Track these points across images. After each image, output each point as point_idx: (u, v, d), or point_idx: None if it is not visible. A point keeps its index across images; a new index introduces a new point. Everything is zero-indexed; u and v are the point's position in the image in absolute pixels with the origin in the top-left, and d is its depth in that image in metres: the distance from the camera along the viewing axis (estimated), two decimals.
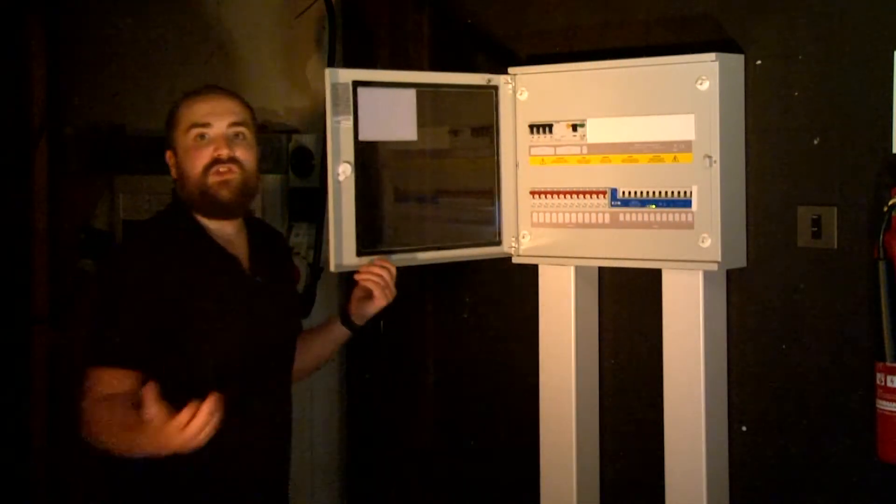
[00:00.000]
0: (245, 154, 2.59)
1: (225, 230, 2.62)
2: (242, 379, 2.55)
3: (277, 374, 2.68)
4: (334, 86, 2.69)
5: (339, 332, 2.79)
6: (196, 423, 2.19)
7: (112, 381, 2.44)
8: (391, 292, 2.70)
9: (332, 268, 2.72)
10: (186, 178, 2.57)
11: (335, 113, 2.70)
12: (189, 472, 2.44)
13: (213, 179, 2.55)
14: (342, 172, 2.71)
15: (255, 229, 2.73)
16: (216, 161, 2.55)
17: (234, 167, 2.56)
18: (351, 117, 2.72)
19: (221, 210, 2.59)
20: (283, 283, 2.78)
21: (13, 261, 4.47)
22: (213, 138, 2.56)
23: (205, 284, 2.55)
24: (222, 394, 2.27)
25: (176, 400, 2.31)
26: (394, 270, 2.71)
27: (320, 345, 2.82)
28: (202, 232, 2.60)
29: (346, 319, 2.77)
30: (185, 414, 2.19)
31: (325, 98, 3.54)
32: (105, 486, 2.59)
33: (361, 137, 2.74)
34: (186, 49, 4.05)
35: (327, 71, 2.71)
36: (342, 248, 2.72)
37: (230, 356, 2.55)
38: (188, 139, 2.56)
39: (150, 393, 2.22)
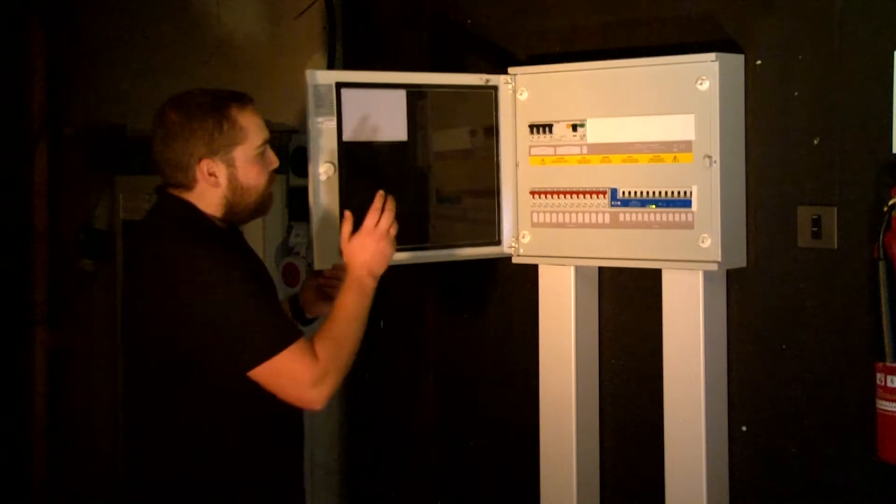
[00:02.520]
0: None
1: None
2: None
3: None
4: (315, 87, 2.74)
5: None
6: (384, 220, 2.60)
7: (302, 348, 2.46)
8: None
9: (315, 266, 2.77)
10: (249, 191, 2.58)
11: (317, 114, 2.74)
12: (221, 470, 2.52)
13: (269, 190, 2.63)
14: (324, 173, 2.75)
15: None
16: (272, 174, 2.64)
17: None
18: (334, 118, 2.76)
19: (262, 214, 2.67)
20: None
21: (13, 261, 4.47)
22: (269, 151, 2.63)
23: (262, 268, 2.67)
24: None
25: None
26: None
27: None
28: (235, 230, 2.66)
29: (298, 313, 2.84)
30: (370, 218, 2.60)
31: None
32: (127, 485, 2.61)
33: (346, 138, 2.78)
34: (186, 49, 4.05)
35: (307, 73, 2.75)
36: (326, 246, 2.75)
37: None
38: (255, 154, 2.58)
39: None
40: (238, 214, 2.61)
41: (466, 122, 2.98)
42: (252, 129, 2.57)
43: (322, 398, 2.48)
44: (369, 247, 2.60)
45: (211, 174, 2.54)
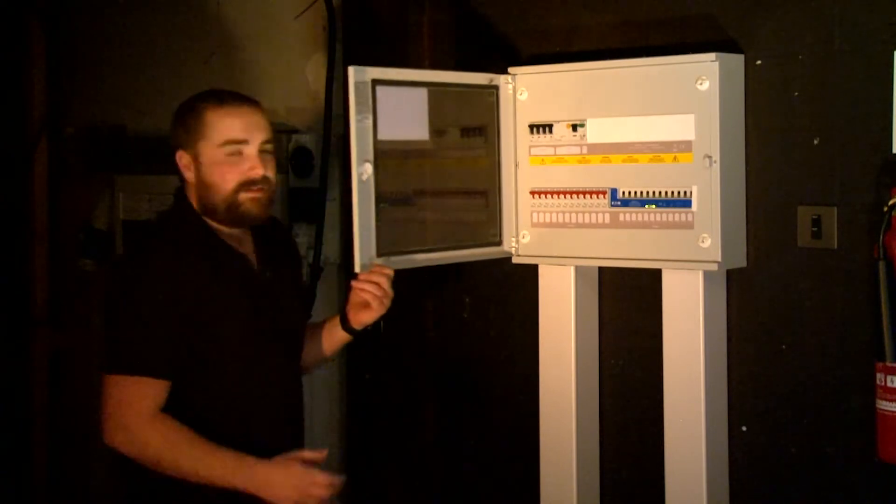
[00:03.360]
0: (272, 171, 2.60)
1: (233, 230, 2.62)
2: (257, 374, 2.60)
3: (289, 362, 2.71)
4: (357, 84, 2.66)
5: (341, 335, 2.79)
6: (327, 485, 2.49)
7: (149, 392, 2.45)
8: (389, 300, 2.68)
9: (356, 268, 2.68)
10: (212, 190, 2.56)
11: (358, 111, 2.67)
12: None
13: (244, 196, 2.55)
14: (364, 172, 2.68)
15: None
16: (250, 181, 2.55)
17: (265, 186, 2.57)
18: (370, 116, 2.69)
19: (246, 223, 2.61)
20: (289, 271, 2.79)
21: (13, 261, 4.47)
22: (247, 156, 2.55)
23: (219, 286, 2.55)
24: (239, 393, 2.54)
25: (193, 401, 2.49)
26: (392, 274, 2.68)
27: (323, 344, 2.81)
28: (213, 233, 2.60)
29: (345, 324, 2.75)
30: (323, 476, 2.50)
31: (324, 98, 3.57)
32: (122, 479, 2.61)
33: (380, 136, 2.72)
34: (186, 49, 4.05)
35: (351, 69, 2.66)
36: (368, 247, 2.70)
37: (244, 355, 2.58)
38: (220, 153, 2.54)
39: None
40: (215, 216, 2.59)
41: (467, 121, 2.98)
42: (217, 127, 2.54)
43: (111, 438, 2.46)
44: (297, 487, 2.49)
45: (185, 166, 2.59)
